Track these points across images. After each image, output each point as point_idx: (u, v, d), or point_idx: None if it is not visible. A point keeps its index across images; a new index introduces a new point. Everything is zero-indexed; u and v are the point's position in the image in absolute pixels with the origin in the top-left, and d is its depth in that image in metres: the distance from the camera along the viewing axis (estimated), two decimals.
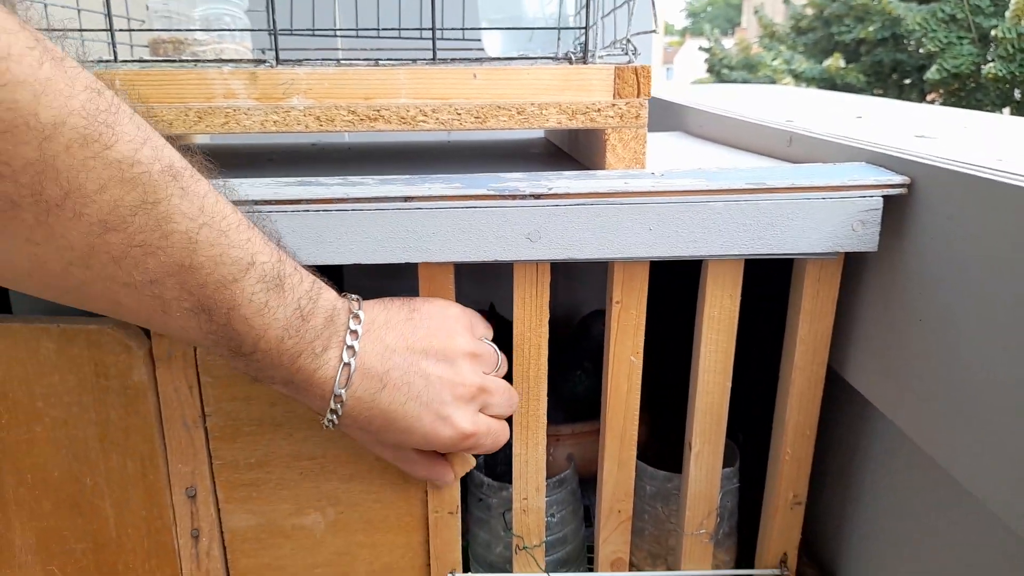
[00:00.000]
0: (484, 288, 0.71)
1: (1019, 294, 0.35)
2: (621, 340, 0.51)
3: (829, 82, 6.66)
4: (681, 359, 0.54)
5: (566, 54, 0.55)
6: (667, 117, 0.98)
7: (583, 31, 0.52)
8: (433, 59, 0.51)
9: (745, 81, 7.30)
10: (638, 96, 0.52)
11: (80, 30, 0.56)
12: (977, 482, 0.38)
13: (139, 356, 0.48)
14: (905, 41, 6.49)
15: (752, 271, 0.50)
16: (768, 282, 0.53)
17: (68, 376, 0.49)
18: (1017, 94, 4.57)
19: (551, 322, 0.50)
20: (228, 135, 0.51)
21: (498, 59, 0.56)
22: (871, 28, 6.75)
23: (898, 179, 0.45)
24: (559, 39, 0.61)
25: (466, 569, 0.58)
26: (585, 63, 0.52)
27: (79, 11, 0.62)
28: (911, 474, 0.48)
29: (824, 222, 0.46)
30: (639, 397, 0.52)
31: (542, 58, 0.54)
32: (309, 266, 0.41)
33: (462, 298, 0.49)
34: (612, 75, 0.52)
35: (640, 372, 0.51)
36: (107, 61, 0.50)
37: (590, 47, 0.53)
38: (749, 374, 0.56)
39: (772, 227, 0.46)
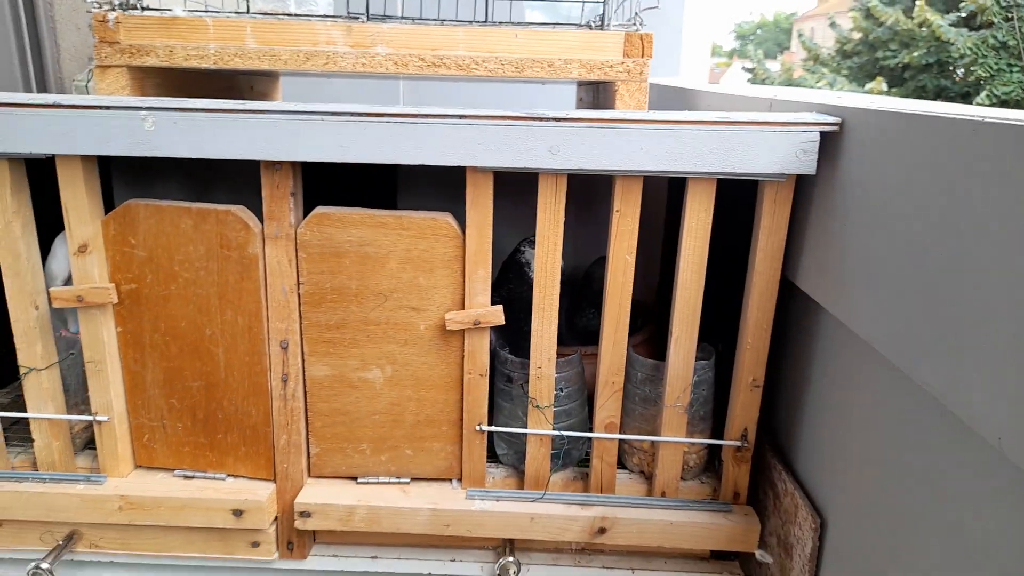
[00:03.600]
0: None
1: (916, 200, 0.49)
2: (619, 242, 0.65)
3: None
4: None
5: (587, 22, 0.70)
6: (679, 101, 1.13)
7: (601, 4, 0.67)
8: (485, 21, 0.67)
9: None
10: (642, 56, 0.67)
11: None
12: (893, 349, 0.51)
13: (255, 234, 0.64)
14: (951, 67, 6.51)
15: (737, 216, 0.64)
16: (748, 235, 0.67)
17: (199, 246, 0.65)
18: None
19: (568, 269, 0.65)
20: (327, 73, 0.67)
21: (534, 23, 0.71)
22: (916, 53, 6.79)
23: (831, 119, 0.59)
24: (583, 10, 0.76)
25: (491, 425, 0.72)
26: (602, 29, 0.67)
27: None
28: (846, 357, 0.62)
29: (775, 150, 0.60)
30: (631, 288, 0.66)
31: (568, 24, 0.69)
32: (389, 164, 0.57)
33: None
34: (623, 39, 0.67)
35: (632, 268, 0.66)
36: (240, 13, 0.67)
37: (606, 18, 0.68)
38: (733, 299, 0.69)
39: (735, 151, 0.60)
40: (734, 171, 0.61)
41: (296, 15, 0.67)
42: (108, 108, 0.59)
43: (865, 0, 7.42)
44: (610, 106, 0.72)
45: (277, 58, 0.66)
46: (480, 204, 0.64)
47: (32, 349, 0.67)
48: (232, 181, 0.78)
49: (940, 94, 6.81)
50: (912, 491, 0.49)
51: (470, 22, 0.67)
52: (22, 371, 0.68)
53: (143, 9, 0.65)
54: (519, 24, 0.68)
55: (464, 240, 0.65)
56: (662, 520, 0.69)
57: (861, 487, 0.56)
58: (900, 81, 7.17)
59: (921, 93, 6.84)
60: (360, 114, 0.60)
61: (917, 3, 6.51)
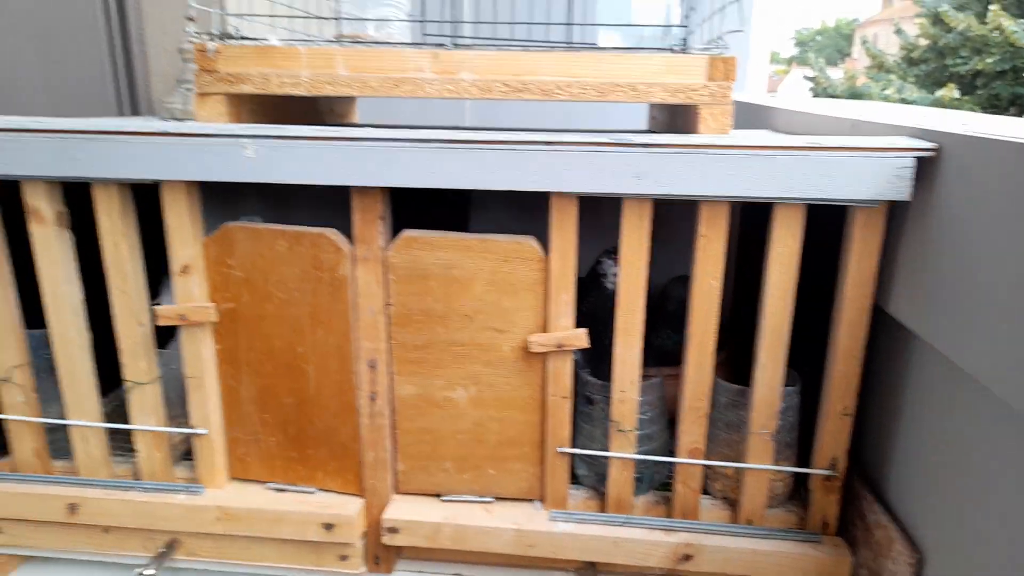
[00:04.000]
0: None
1: (1016, 230, 0.48)
2: (704, 267, 0.65)
3: None
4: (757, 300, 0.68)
5: (670, 47, 0.70)
6: (754, 117, 1.12)
7: (684, 28, 0.67)
8: (569, 45, 0.68)
9: None
10: (726, 79, 0.67)
11: (305, 16, 0.76)
12: (1003, 383, 0.50)
13: (346, 256, 0.66)
14: None
15: (821, 239, 0.63)
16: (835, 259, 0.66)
17: (294, 268, 0.68)
18: None
19: None
20: (413, 98, 0.69)
21: (618, 48, 0.71)
22: (989, 60, 6.55)
23: (927, 145, 0.58)
24: (664, 36, 0.76)
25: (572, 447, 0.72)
26: (684, 53, 0.68)
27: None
28: (944, 386, 0.60)
29: (867, 175, 0.59)
30: (717, 314, 0.66)
31: (651, 49, 0.69)
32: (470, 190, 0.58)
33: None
34: (707, 63, 0.67)
35: (718, 294, 0.65)
36: (332, 41, 0.69)
37: (688, 42, 0.68)
38: (816, 323, 0.68)
39: (827, 176, 0.59)
40: (824, 197, 0.60)
41: (383, 43, 0.69)
42: (211, 136, 0.62)
43: (933, 5, 7.20)
44: (691, 128, 0.72)
45: (366, 85, 0.68)
46: (565, 229, 0.64)
47: (137, 364, 0.70)
48: (309, 197, 0.80)
49: (1015, 101, 6.55)
50: (1022, 528, 0.48)
51: (553, 47, 0.68)
52: (127, 385, 0.71)
53: (240, 39, 0.68)
54: (602, 49, 0.69)
55: (548, 263, 0.66)
56: (748, 548, 0.68)
57: (964, 523, 0.54)
58: (971, 88, 6.92)
59: (995, 101, 6.60)
60: (449, 141, 0.61)
61: (991, 8, 6.28)
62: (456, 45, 0.68)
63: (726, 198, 0.61)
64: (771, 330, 0.66)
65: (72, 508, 0.73)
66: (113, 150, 0.62)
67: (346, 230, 0.67)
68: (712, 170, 0.60)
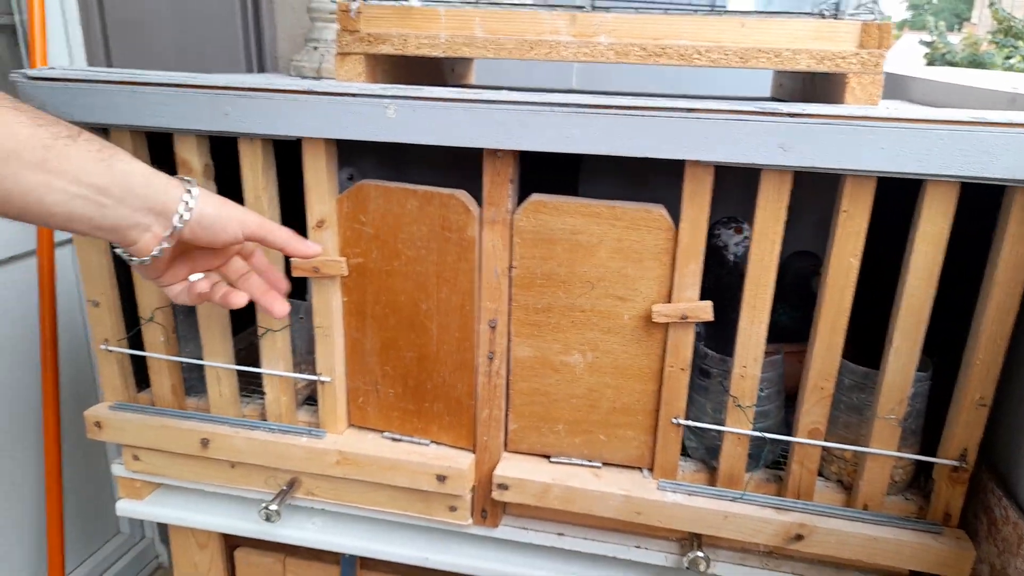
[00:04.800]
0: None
1: None
2: (843, 244, 0.62)
3: None
4: (891, 281, 0.65)
5: (819, 10, 0.67)
6: (889, 87, 1.05)
7: None
8: (711, 9, 0.66)
9: None
10: (879, 47, 0.63)
11: None
12: None
13: (474, 217, 0.67)
14: None
15: (971, 231, 0.59)
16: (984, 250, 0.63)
17: (423, 227, 0.69)
18: None
19: None
20: (548, 61, 0.68)
21: (762, 12, 0.69)
22: None
23: None
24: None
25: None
26: (836, 18, 0.64)
27: None
28: None
29: None
30: (852, 293, 0.64)
31: (797, 13, 0.66)
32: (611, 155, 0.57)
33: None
34: (859, 29, 0.63)
35: (856, 272, 0.63)
36: (468, 3, 0.69)
37: (841, 6, 0.64)
38: (949, 307, 0.65)
39: (988, 154, 0.56)
40: (983, 175, 0.57)
41: (520, 4, 0.69)
42: (356, 96, 0.63)
43: None
44: (833, 98, 0.68)
45: (502, 47, 0.68)
46: (698, 198, 0.63)
47: None
48: (420, 156, 0.81)
49: None
50: None
51: (695, 10, 0.66)
52: (260, 331, 0.75)
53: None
54: (745, 13, 0.66)
55: (676, 233, 0.65)
56: (864, 534, 0.67)
57: None
58: None
59: None
60: (587, 106, 0.61)
61: None
62: (595, 7, 0.67)
63: (875, 173, 0.59)
64: (909, 313, 0.63)
65: (204, 443, 0.78)
66: (262, 107, 0.64)
67: (456, 188, 0.68)
68: (863, 143, 0.57)
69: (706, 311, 0.66)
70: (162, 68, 1.20)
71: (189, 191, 0.54)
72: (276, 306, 0.61)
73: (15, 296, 1.21)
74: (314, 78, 1.03)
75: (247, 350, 0.84)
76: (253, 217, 0.58)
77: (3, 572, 1.27)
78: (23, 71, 0.68)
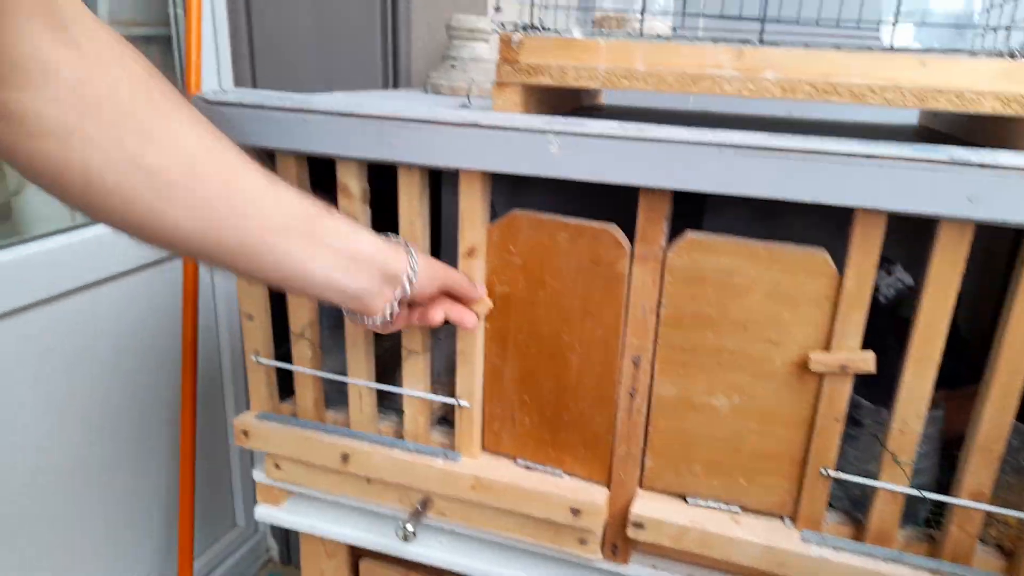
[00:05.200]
0: None
1: None
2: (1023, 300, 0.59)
3: None
4: None
5: (1009, 51, 0.63)
6: None
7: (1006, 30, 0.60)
8: (889, 49, 0.63)
9: None
10: None
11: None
12: None
13: (626, 252, 0.66)
14: None
15: None
16: None
17: (571, 259, 0.69)
18: None
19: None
20: (708, 95, 0.67)
21: (943, 51, 0.65)
22: None
23: None
24: (959, 36, 0.68)
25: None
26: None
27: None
28: None
29: None
30: None
31: (983, 53, 0.62)
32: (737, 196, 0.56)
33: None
34: None
35: None
36: (632, 35, 0.69)
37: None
38: None
39: None
40: None
41: (682, 38, 0.68)
42: (518, 130, 0.63)
43: None
44: (1011, 142, 0.64)
45: (663, 81, 0.67)
46: (868, 246, 0.60)
47: (415, 336, 0.75)
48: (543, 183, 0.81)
49: None
50: None
51: (870, 48, 0.63)
52: (404, 353, 0.76)
53: (544, 30, 0.69)
54: (924, 51, 0.63)
55: (841, 280, 0.62)
56: None
57: None
58: None
59: None
60: (754, 147, 0.59)
61: None
62: (762, 42, 0.65)
63: None
64: None
65: (344, 458, 0.80)
66: (424, 138, 0.65)
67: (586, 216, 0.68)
68: None
69: (868, 363, 0.63)
70: (304, 84, 1.25)
71: (410, 254, 0.61)
72: (467, 318, 0.69)
73: (159, 301, 1.29)
74: (450, 95, 1.05)
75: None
76: (450, 274, 0.67)
77: (135, 559, 1.35)
78: (201, 95, 0.72)
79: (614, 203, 0.69)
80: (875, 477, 0.67)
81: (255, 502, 0.90)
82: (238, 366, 1.50)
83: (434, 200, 0.74)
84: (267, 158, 0.74)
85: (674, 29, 1.06)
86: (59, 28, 0.37)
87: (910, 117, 1.03)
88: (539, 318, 0.72)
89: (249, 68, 1.29)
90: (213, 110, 0.72)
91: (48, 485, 1.15)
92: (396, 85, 1.23)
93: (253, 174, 0.50)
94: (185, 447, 1.28)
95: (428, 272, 0.63)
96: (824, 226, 0.81)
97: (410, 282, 0.60)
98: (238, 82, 1.29)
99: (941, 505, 0.67)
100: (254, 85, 1.31)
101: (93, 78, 0.39)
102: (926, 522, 0.71)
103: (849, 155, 0.57)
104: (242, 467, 1.60)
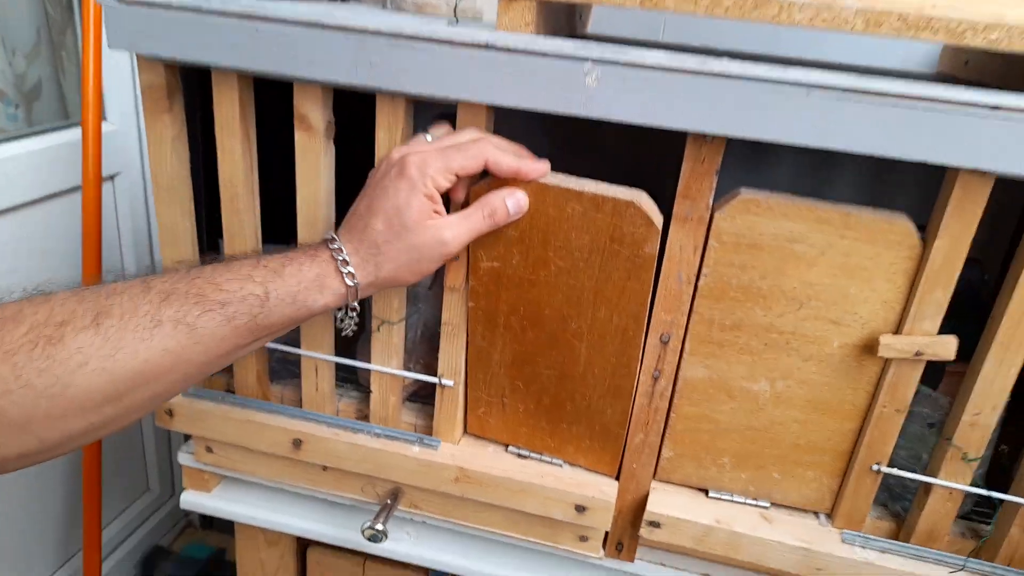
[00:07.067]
0: None
1: None
2: None
3: None
4: None
5: None
6: None
7: None
8: None
9: None
10: None
11: None
12: None
13: (656, 231, 0.52)
14: None
15: None
16: None
17: (583, 235, 0.54)
18: None
19: None
20: (772, 24, 0.53)
21: None
22: None
23: None
24: None
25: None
26: None
27: None
28: None
29: None
30: None
31: None
32: None
33: None
34: None
35: None
36: None
37: None
38: None
39: None
40: None
41: None
42: (544, 55, 0.48)
43: None
44: None
45: (718, 4, 0.52)
46: (966, 214, 0.49)
47: (390, 303, 0.61)
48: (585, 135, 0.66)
49: None
50: None
51: None
52: (375, 323, 0.62)
53: None
54: None
55: (923, 252, 0.52)
56: None
57: None
58: None
59: None
60: (848, 89, 0.46)
61: None
62: None
63: None
64: None
65: (297, 444, 0.66)
66: (418, 60, 0.49)
67: (615, 177, 0.54)
68: None
69: (948, 349, 0.53)
70: None
71: (336, 248, 0.51)
72: (534, 166, 0.53)
73: (57, 234, 1.07)
74: (415, 12, 0.86)
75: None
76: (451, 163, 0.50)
77: (40, 527, 1.18)
78: None
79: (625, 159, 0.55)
80: (918, 470, 0.59)
81: (172, 466, 0.75)
82: None
83: None
84: (201, 76, 0.56)
85: None
86: None
87: (891, 61, 0.91)
88: (538, 300, 0.58)
89: None
90: (129, 13, 0.53)
91: None
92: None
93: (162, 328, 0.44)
94: None
95: (419, 205, 0.50)
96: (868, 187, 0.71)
97: (352, 276, 0.51)
98: None
99: (989, 502, 0.60)
100: None
101: None
102: (965, 516, 0.64)
103: (969, 105, 0.45)
104: (154, 425, 1.42)
